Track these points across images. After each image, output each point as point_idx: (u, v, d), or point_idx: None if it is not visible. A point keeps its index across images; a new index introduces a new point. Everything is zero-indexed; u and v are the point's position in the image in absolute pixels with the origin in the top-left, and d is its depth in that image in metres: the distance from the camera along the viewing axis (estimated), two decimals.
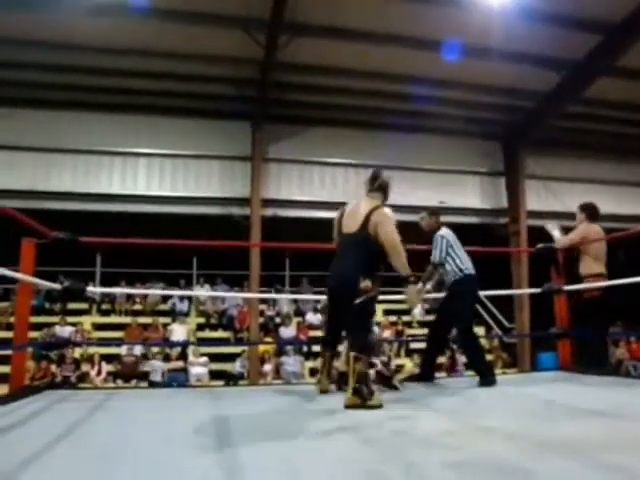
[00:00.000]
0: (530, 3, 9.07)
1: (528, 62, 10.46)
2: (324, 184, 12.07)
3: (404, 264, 3.73)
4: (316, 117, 11.92)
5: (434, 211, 4.79)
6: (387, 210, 3.83)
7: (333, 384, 4.10)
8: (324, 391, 3.94)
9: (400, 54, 10.11)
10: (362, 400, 3.16)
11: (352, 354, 3.35)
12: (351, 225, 3.78)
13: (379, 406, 3.18)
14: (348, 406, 3.16)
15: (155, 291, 12.62)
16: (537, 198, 12.94)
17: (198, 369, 10.57)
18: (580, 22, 9.52)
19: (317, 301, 13.16)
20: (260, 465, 2.00)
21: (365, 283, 3.65)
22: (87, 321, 11.91)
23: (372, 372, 4.37)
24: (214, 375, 10.74)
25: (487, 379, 4.34)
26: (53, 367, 9.77)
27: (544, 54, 10.31)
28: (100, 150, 11.16)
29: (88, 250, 12.09)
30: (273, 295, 12.87)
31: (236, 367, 10.88)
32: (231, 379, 10.45)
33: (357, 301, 3.56)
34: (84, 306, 12.56)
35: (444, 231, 4.63)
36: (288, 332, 12.08)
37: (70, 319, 11.46)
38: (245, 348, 11.16)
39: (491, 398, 3.81)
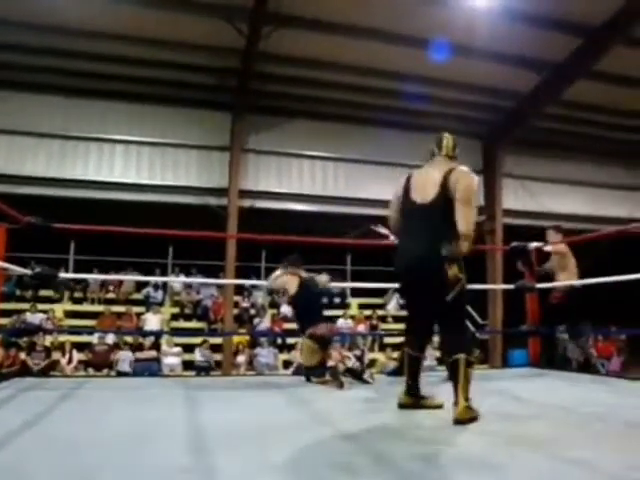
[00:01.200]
0: (513, 4, 9.13)
1: (510, 62, 10.54)
2: (302, 177, 12.04)
3: (469, 231, 2.86)
4: (297, 109, 11.86)
5: None
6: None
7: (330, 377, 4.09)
8: (405, 405, 3.09)
9: (384, 50, 10.09)
10: (474, 413, 2.71)
11: (463, 358, 2.77)
12: (427, 193, 2.97)
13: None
14: (462, 421, 2.64)
15: (128, 277, 12.49)
16: (514, 197, 13.08)
17: (171, 359, 10.49)
18: (561, 24, 9.61)
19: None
20: (229, 457, 1.99)
21: (453, 271, 2.84)
22: (59, 309, 11.73)
23: (341, 367, 4.39)
24: (187, 365, 10.68)
25: None
26: (22, 355, 9.61)
27: (525, 55, 10.39)
28: (76, 136, 10.94)
29: (62, 237, 11.90)
30: (249, 281, 12.78)
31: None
32: (202, 370, 10.38)
33: (449, 297, 2.82)
34: (56, 293, 12.36)
35: None
36: (262, 324, 12.06)
37: (41, 306, 11.27)
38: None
39: None
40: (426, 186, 3.00)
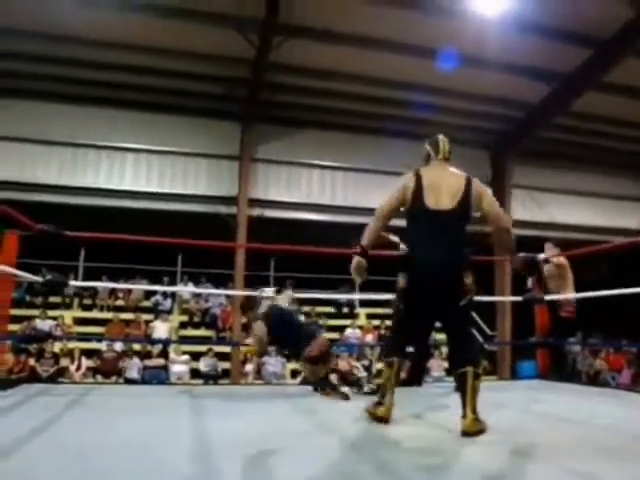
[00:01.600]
0: (523, 15, 9.14)
1: (519, 73, 10.54)
2: (312, 186, 12.08)
3: (513, 238, 3.14)
4: (306, 119, 11.92)
5: None
6: None
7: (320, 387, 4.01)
8: (384, 419, 2.88)
9: (394, 60, 10.13)
10: (483, 425, 2.66)
11: (471, 370, 2.78)
12: (446, 199, 2.96)
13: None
14: (470, 433, 2.61)
15: (138, 286, 12.54)
16: (522, 208, 13.04)
17: (179, 367, 10.50)
18: (571, 35, 9.62)
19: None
20: (235, 465, 2.00)
21: (469, 279, 2.95)
22: (68, 315, 11.79)
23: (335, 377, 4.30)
24: (195, 374, 10.69)
25: None
26: (32, 361, 9.66)
27: (535, 65, 10.40)
28: (87, 144, 11.06)
29: (72, 244, 11.99)
30: (256, 292, 12.80)
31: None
32: (210, 378, 10.38)
33: (462, 303, 2.90)
34: (66, 300, 12.43)
35: None
36: None
37: (51, 313, 11.34)
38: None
39: None
40: (443, 192, 2.98)
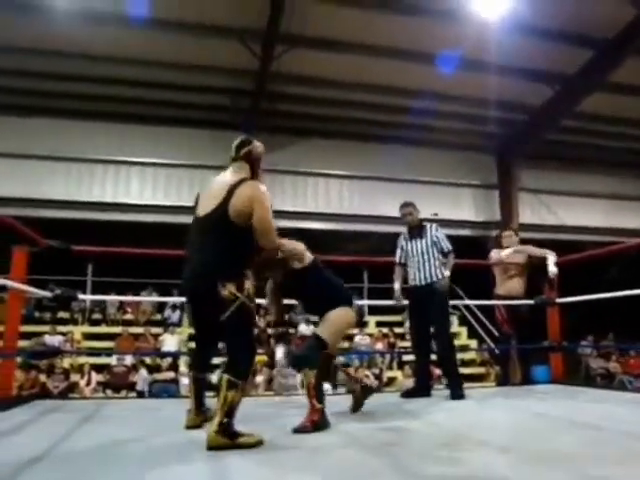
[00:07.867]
0: (524, 18, 9.15)
1: (522, 76, 10.55)
2: (317, 195, 12.08)
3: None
4: (311, 128, 11.96)
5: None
6: (262, 186, 2.98)
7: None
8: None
9: (396, 67, 10.16)
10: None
11: (225, 378, 2.74)
12: (205, 205, 2.88)
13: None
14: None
15: (145, 298, 12.52)
16: (530, 211, 13.00)
17: (189, 380, 10.44)
18: (573, 37, 9.62)
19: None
20: (248, 472, 1.97)
21: (231, 289, 2.73)
22: (77, 330, 11.78)
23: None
24: (209, 386, 10.60)
25: (461, 391, 4.31)
26: (42, 377, 9.64)
27: (538, 68, 10.40)
28: (94, 159, 11.14)
29: (80, 259, 12.01)
30: (264, 300, 12.77)
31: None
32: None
33: (225, 315, 2.74)
34: (74, 316, 12.42)
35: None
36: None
37: (60, 328, 11.33)
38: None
39: (482, 411, 3.79)
40: (206, 198, 2.93)
